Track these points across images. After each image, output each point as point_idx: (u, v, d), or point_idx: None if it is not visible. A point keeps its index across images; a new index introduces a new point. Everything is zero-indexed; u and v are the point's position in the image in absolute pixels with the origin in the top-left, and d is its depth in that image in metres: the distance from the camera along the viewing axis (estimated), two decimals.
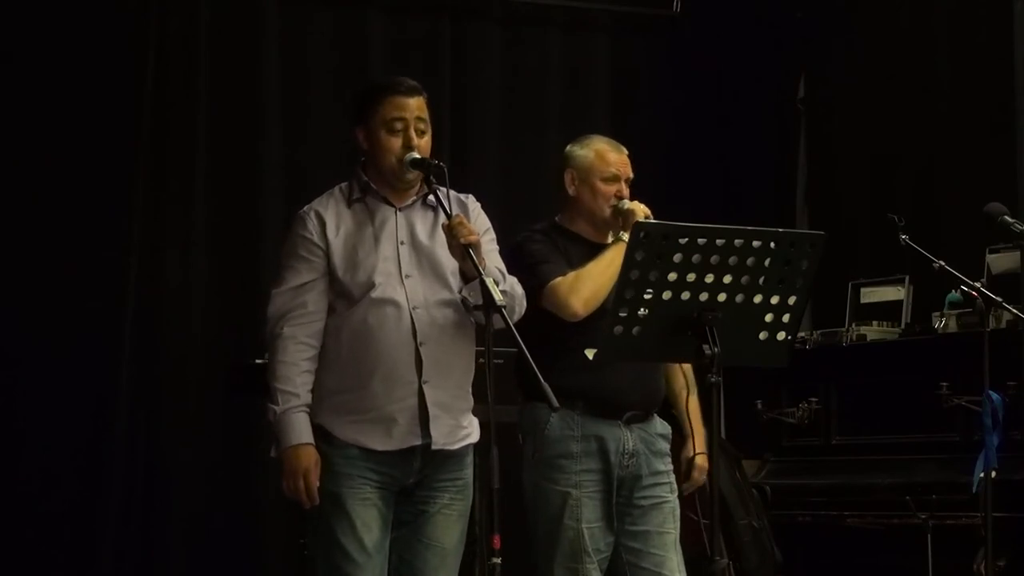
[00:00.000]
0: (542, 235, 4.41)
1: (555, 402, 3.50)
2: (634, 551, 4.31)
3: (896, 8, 6.80)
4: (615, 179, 4.39)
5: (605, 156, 4.41)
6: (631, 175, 4.43)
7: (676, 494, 4.40)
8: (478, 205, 3.98)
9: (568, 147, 4.50)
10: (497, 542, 3.52)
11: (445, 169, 3.76)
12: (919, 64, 6.66)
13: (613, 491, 4.29)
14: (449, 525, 3.86)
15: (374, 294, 3.77)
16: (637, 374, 4.27)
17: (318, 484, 3.73)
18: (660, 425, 4.42)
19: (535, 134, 6.98)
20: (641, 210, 4.29)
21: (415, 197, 3.90)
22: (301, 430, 3.74)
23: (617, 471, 4.28)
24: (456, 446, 3.83)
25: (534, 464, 4.30)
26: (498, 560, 3.53)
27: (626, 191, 4.40)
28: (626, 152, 4.46)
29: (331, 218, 3.85)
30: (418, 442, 3.77)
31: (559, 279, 4.22)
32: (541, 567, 4.30)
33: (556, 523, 4.25)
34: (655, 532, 4.31)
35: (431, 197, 3.87)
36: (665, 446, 4.42)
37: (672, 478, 4.41)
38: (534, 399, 4.20)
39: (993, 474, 4.72)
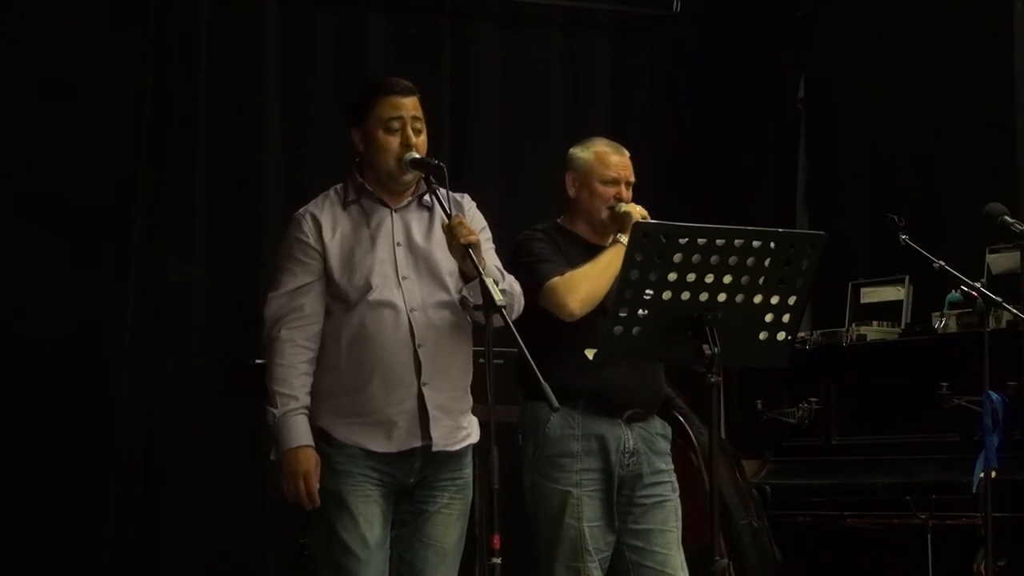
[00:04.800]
0: (543, 234, 4.42)
1: (555, 402, 3.50)
2: (637, 550, 4.31)
3: (896, 8, 6.79)
4: (614, 182, 4.40)
5: (605, 159, 4.42)
6: (632, 178, 4.45)
7: (677, 493, 4.41)
8: (473, 204, 3.98)
9: (571, 149, 4.51)
10: (497, 542, 3.52)
11: (445, 169, 3.76)
12: (919, 64, 6.66)
13: (614, 490, 4.29)
14: (449, 524, 3.86)
15: (371, 297, 3.77)
16: (638, 373, 4.28)
17: (318, 486, 3.73)
18: (660, 425, 4.43)
19: (535, 134, 6.98)
20: (638, 212, 4.29)
21: (411, 198, 3.90)
22: (300, 432, 3.74)
23: (618, 470, 4.29)
24: (456, 447, 3.84)
25: (534, 463, 4.30)
26: (498, 560, 3.53)
27: (626, 194, 4.41)
28: (628, 155, 4.47)
29: (327, 220, 3.84)
30: (418, 444, 3.77)
31: (557, 279, 4.22)
32: (543, 566, 4.30)
33: (557, 522, 4.25)
34: (658, 530, 4.32)
35: (427, 198, 3.87)
36: (665, 445, 4.43)
37: (673, 477, 4.42)
38: (535, 398, 4.20)
39: (993, 474, 4.72)
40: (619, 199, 4.38)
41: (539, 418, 4.28)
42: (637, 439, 4.32)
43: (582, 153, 4.46)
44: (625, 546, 4.32)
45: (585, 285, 4.19)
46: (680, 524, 4.38)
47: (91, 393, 5.99)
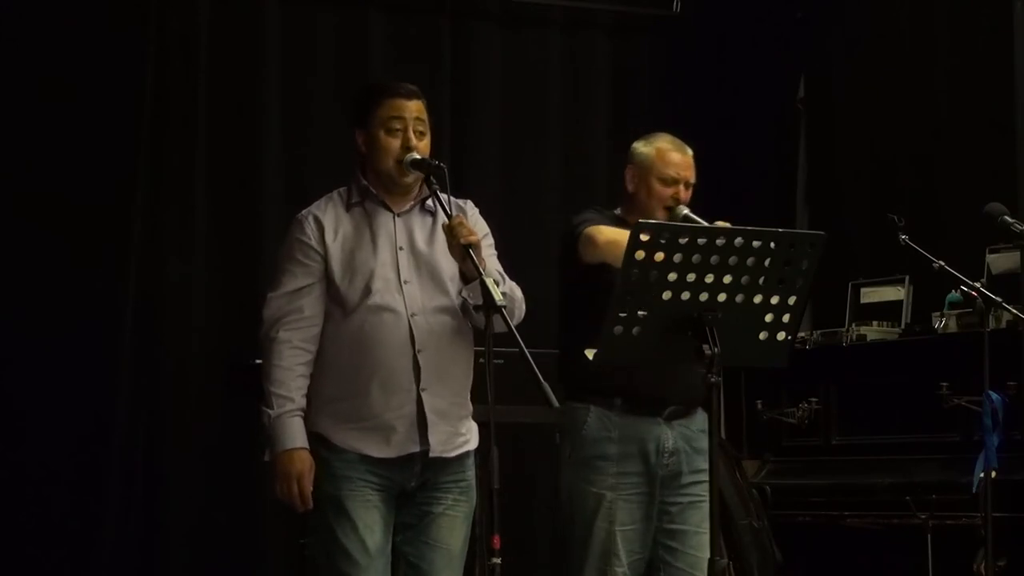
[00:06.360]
0: (599, 214, 4.34)
1: (555, 401, 3.48)
2: (670, 549, 4.27)
3: (896, 8, 6.79)
4: (673, 181, 4.33)
5: (666, 156, 4.36)
6: (692, 178, 4.37)
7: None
8: (476, 211, 3.97)
9: (634, 143, 4.44)
10: (497, 542, 3.52)
11: (445, 170, 3.76)
12: (919, 64, 6.66)
13: (656, 493, 4.24)
14: (455, 527, 3.85)
15: (371, 301, 3.76)
16: (678, 367, 4.15)
17: (311, 489, 3.72)
18: (702, 420, 4.31)
19: (535, 134, 6.98)
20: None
21: (413, 202, 3.89)
22: (295, 434, 3.74)
23: (658, 471, 4.24)
24: (453, 453, 3.83)
25: (571, 464, 4.27)
26: (498, 560, 3.53)
27: (684, 195, 4.34)
28: (691, 154, 4.40)
29: (329, 222, 3.84)
30: (416, 449, 3.77)
31: (600, 226, 4.16)
32: (573, 567, 4.27)
33: (589, 525, 4.22)
34: (692, 532, 4.26)
35: (429, 202, 3.87)
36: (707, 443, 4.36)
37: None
38: (574, 398, 4.18)
39: (993, 474, 4.72)
40: (677, 200, 4.32)
41: (577, 418, 4.23)
42: (678, 437, 4.25)
43: (644, 148, 4.40)
44: (659, 544, 4.27)
45: (616, 235, 4.06)
46: None
47: (91, 393, 5.99)
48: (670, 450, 4.25)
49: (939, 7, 6.59)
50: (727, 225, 4.08)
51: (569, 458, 4.28)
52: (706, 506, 4.23)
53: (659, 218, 4.28)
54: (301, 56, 6.58)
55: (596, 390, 3.83)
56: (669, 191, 4.33)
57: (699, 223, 4.16)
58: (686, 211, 4.30)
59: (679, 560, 4.26)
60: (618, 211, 4.42)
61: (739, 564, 5.56)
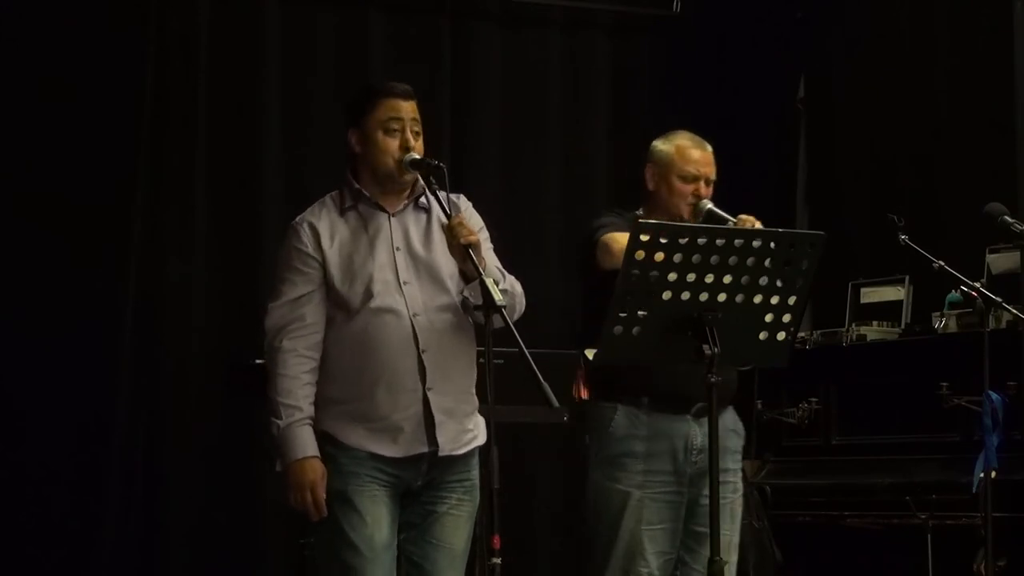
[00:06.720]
0: (618, 216, 4.31)
1: (554, 401, 3.47)
2: (690, 550, 4.25)
3: (896, 8, 6.80)
4: (694, 178, 4.31)
5: (685, 153, 4.34)
6: (712, 175, 4.35)
7: (739, 494, 4.33)
8: (469, 204, 3.96)
9: (654, 141, 4.42)
10: (497, 542, 3.52)
11: (444, 169, 3.76)
12: (919, 64, 6.66)
13: (685, 492, 4.21)
14: (458, 526, 3.85)
15: (373, 303, 3.75)
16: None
17: (325, 496, 3.72)
18: (732, 420, 4.30)
19: (535, 134, 6.98)
20: (749, 221, 4.10)
21: (407, 201, 3.89)
22: (306, 443, 3.73)
23: (687, 469, 4.21)
24: (462, 451, 3.82)
25: (598, 463, 4.24)
26: (498, 560, 3.53)
27: (705, 191, 4.31)
28: (711, 150, 4.38)
29: (325, 228, 3.83)
30: (424, 449, 3.76)
31: (615, 233, 4.13)
32: (599, 566, 4.25)
33: (615, 523, 4.19)
34: None
35: (423, 200, 3.86)
36: (736, 443, 4.33)
37: (738, 477, 4.34)
38: (601, 398, 4.17)
39: (993, 474, 4.72)
40: (698, 196, 4.29)
41: (604, 417, 4.22)
42: (706, 435, 4.12)
43: (663, 146, 4.38)
44: (682, 542, 4.26)
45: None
46: (737, 527, 4.32)
47: (91, 393, 5.99)
48: (699, 447, 4.20)
49: (939, 7, 6.59)
50: (751, 219, 4.09)
51: (596, 457, 4.25)
52: (731, 507, 4.26)
53: (683, 215, 4.27)
54: (301, 56, 6.58)
55: (623, 389, 3.79)
56: (690, 188, 4.30)
57: (724, 217, 4.15)
58: (710, 205, 4.27)
59: (697, 562, 4.23)
60: (639, 211, 4.39)
61: (739, 564, 5.55)
